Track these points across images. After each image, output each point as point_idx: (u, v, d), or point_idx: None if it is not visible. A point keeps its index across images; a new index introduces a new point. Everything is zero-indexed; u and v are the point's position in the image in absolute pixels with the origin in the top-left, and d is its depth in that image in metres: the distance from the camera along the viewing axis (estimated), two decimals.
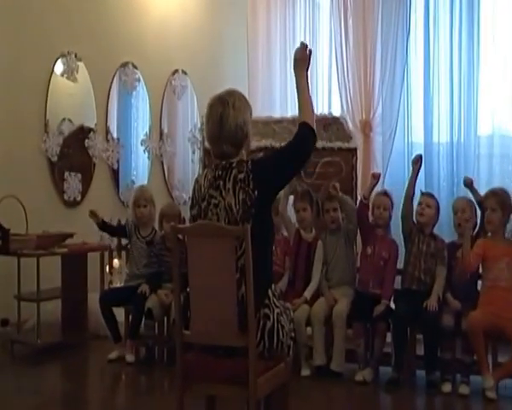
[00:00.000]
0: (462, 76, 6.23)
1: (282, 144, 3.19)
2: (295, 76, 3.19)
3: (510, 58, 6.17)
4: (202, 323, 3.01)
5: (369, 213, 4.91)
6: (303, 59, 3.18)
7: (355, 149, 5.59)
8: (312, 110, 3.14)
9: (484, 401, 4.28)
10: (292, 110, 6.33)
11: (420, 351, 4.63)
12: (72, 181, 5.85)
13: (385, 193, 4.99)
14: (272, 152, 3.29)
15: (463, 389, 4.39)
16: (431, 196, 4.88)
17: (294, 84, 3.19)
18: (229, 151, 3.04)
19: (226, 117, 3.03)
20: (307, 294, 4.79)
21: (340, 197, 4.87)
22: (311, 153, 3.13)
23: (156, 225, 5.26)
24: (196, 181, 3.18)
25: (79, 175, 5.92)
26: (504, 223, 4.60)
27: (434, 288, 4.61)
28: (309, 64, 3.18)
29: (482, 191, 4.86)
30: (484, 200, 4.66)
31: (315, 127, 3.09)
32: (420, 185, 5.91)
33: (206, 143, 5.42)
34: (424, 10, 6.32)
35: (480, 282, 4.66)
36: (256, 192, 2.98)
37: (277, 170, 3.04)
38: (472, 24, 6.21)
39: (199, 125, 5.96)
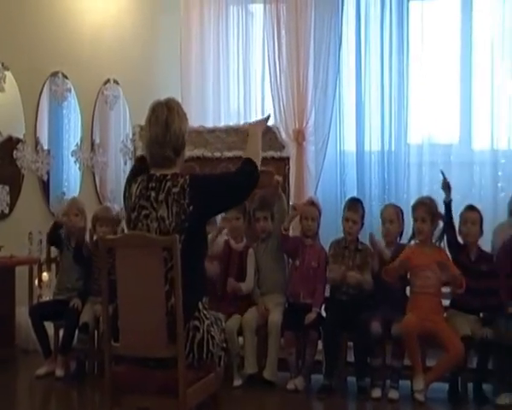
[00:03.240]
0: (392, 86, 6.35)
1: (225, 172, 3.20)
2: (253, 132, 3.25)
3: (439, 69, 6.32)
4: (132, 334, 2.99)
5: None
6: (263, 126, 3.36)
7: (288, 159, 5.63)
8: (259, 160, 3.17)
9: (412, 405, 4.36)
10: (225, 120, 6.34)
11: (351, 358, 4.69)
12: (0, 193, 5.72)
13: (312, 203, 5.03)
14: (214, 177, 3.29)
15: (393, 394, 4.47)
16: (355, 210, 4.91)
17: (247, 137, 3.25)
18: (170, 156, 3.04)
19: (172, 122, 3.04)
20: (243, 286, 4.80)
21: (280, 194, 4.90)
22: (250, 191, 3.18)
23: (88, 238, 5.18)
24: (127, 186, 3.15)
25: (7, 187, 5.79)
26: (432, 230, 4.70)
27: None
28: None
29: (413, 199, 4.97)
30: (413, 210, 4.75)
31: (258, 171, 3.13)
32: (352, 193, 6.04)
33: (139, 152, 5.39)
34: (355, 21, 6.42)
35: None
36: (191, 207, 2.97)
37: (215, 197, 3.06)
38: (402, 36, 6.35)
39: (131, 136, 5.90)
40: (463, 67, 6.29)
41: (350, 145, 6.43)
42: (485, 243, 4.86)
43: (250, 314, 4.73)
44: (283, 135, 5.99)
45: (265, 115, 3.61)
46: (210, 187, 3.06)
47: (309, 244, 4.88)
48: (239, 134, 5.62)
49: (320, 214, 4.99)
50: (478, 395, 4.50)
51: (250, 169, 3.13)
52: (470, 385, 4.56)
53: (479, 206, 4.95)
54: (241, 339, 4.74)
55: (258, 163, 3.16)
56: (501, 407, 4.34)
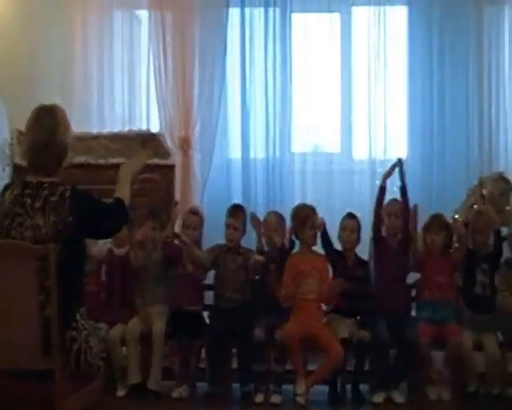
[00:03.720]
0: (276, 96, 6.41)
1: (104, 201, 3.17)
2: (123, 176, 3.25)
3: (321, 80, 6.48)
4: (4, 346, 2.90)
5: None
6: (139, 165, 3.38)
7: (173, 166, 5.62)
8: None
9: (294, 408, 4.47)
10: (109, 126, 6.24)
11: (236, 364, 4.74)
12: None
13: (193, 212, 5.07)
14: (96, 200, 3.19)
15: (275, 399, 4.57)
16: (237, 217, 4.98)
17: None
18: (51, 164, 2.98)
19: (57, 130, 3.02)
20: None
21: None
22: (118, 231, 3.28)
23: None
24: (2, 192, 3.06)
25: None
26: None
27: None
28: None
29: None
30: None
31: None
32: (238, 200, 6.09)
33: (17, 159, 5.23)
34: (240, 31, 6.47)
35: None
36: (70, 218, 2.93)
37: (91, 220, 3.03)
38: (285, 46, 6.44)
39: (9, 141, 5.69)
40: (344, 80, 6.46)
41: (235, 153, 6.48)
42: (362, 250, 5.05)
43: (133, 324, 4.70)
44: (169, 142, 5.97)
45: (143, 153, 3.59)
46: (90, 207, 3.04)
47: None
48: (123, 141, 5.57)
49: (203, 223, 5.02)
50: (356, 396, 4.69)
51: (123, 211, 3.15)
52: (349, 386, 4.73)
53: (358, 214, 5.15)
54: (124, 349, 4.69)
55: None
56: (376, 405, 4.55)
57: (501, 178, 5.41)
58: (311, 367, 4.71)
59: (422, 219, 5.06)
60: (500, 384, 4.62)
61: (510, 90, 6.29)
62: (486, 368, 4.62)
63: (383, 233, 4.96)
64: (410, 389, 4.76)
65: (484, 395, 4.62)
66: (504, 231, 5.07)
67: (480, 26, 6.27)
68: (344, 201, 6.14)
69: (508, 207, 5.27)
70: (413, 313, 4.97)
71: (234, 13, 6.49)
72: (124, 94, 6.41)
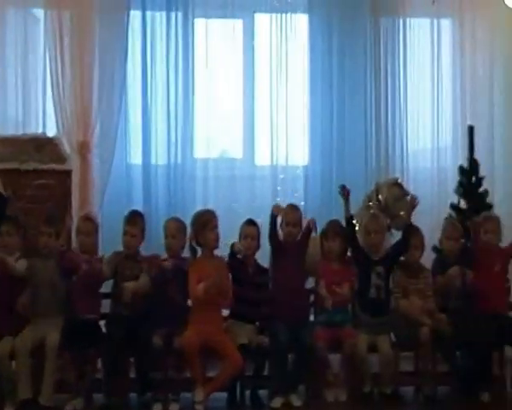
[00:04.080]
0: (178, 101, 6.38)
1: None
2: None
3: (223, 86, 6.48)
4: None
5: None
6: None
7: (70, 172, 5.48)
8: None
9: None
10: (1, 129, 5.97)
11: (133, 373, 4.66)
12: None
13: (87, 218, 4.95)
14: None
15: (173, 407, 4.54)
16: (134, 223, 4.90)
17: None
18: None
19: None
20: None
21: None
22: None
23: None
24: None
25: None
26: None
27: None
28: None
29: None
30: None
31: None
32: (138, 206, 5.99)
33: None
34: (141, 35, 6.39)
35: None
36: None
37: None
38: (187, 51, 6.42)
39: None
40: (246, 86, 6.51)
41: (136, 158, 6.38)
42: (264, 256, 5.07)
43: (23, 336, 4.52)
44: (66, 147, 5.81)
45: None
46: None
47: (85, 260, 4.77)
48: (16, 145, 5.39)
49: (97, 229, 4.93)
50: (255, 401, 4.70)
51: None
52: (248, 392, 4.73)
53: (260, 219, 5.16)
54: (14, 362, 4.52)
55: None
56: None
57: (396, 184, 5.56)
58: (210, 374, 4.69)
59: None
60: (393, 384, 4.74)
61: (406, 98, 6.50)
62: (380, 369, 4.72)
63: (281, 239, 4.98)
64: (308, 393, 4.82)
65: (378, 394, 4.73)
66: (399, 235, 5.23)
67: (377, 35, 6.48)
68: (246, 206, 6.17)
69: (402, 213, 5.41)
70: (311, 317, 5.03)
71: (135, 16, 6.41)
72: (17, 96, 6.17)
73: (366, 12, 6.45)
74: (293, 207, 5.09)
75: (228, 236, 5.03)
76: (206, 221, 4.80)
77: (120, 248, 4.94)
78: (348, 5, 6.47)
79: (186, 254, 4.91)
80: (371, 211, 5.35)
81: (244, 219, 5.09)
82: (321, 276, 4.90)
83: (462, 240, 5.23)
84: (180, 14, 6.44)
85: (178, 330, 4.58)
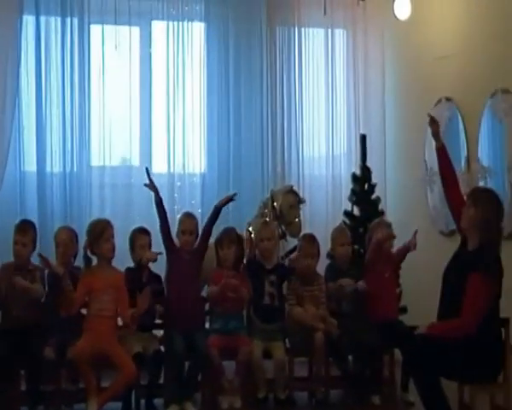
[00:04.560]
0: (74, 109, 6.31)
1: None
2: None
3: (120, 94, 6.43)
4: None
5: None
6: None
7: None
8: None
9: None
10: None
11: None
12: None
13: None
14: None
15: None
16: (24, 233, 4.81)
17: None
18: None
19: None
20: None
21: None
22: None
23: None
24: None
25: None
26: None
27: None
28: None
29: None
30: None
31: None
32: (32, 214, 5.87)
33: None
34: (35, 41, 6.26)
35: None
36: None
37: None
38: (83, 58, 6.35)
39: None
40: (143, 93, 6.50)
41: (30, 166, 6.24)
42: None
43: None
44: None
45: None
46: None
47: None
48: None
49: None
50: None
51: None
52: (143, 401, 4.72)
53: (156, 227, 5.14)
54: None
55: None
56: None
57: (291, 191, 5.66)
58: (106, 384, 4.64)
59: None
60: (287, 389, 4.83)
61: (301, 106, 6.64)
62: (274, 375, 4.80)
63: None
64: (203, 400, 4.84)
65: (272, 400, 4.80)
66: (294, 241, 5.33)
67: (273, 44, 6.61)
68: (143, 214, 6.13)
69: (296, 219, 5.53)
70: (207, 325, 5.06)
71: (28, 21, 6.28)
72: None
73: (262, 21, 6.57)
74: (188, 216, 5.10)
75: (125, 244, 4.99)
76: (101, 231, 4.74)
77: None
78: (244, 15, 6.57)
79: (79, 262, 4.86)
80: (266, 218, 5.42)
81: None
82: (214, 282, 4.91)
83: (355, 246, 5.38)
84: (75, 20, 6.36)
85: (72, 341, 4.51)
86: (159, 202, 4.93)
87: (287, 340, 4.96)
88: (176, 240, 5.04)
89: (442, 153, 4.46)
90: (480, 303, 3.88)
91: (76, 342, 4.48)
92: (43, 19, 6.31)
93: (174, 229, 5.07)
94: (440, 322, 4.11)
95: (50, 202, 6.23)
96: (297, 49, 6.66)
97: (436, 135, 4.47)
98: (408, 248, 5.11)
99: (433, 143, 4.55)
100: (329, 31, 6.79)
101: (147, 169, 5.03)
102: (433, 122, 4.49)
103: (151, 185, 4.93)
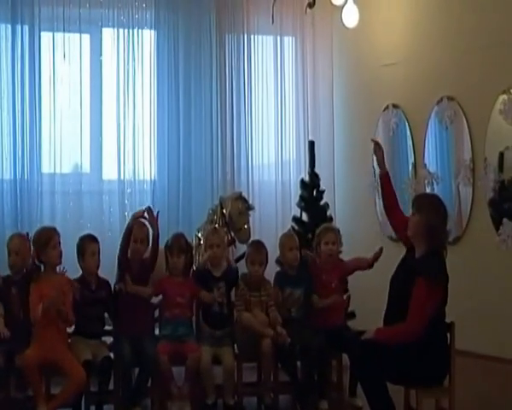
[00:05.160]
0: (25, 116, 6.31)
1: None
2: None
3: (70, 99, 6.44)
4: None
5: None
6: None
7: None
8: None
9: None
10: None
11: None
12: None
13: None
14: None
15: None
16: None
17: None
18: None
19: None
20: None
21: None
22: None
23: None
24: None
25: None
26: None
27: None
28: None
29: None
30: None
31: None
32: None
33: None
34: None
35: None
36: None
37: None
38: (33, 64, 6.33)
39: None
40: (93, 100, 6.53)
41: None
42: None
43: None
44: None
45: None
46: None
47: None
48: None
49: None
50: None
51: None
52: (93, 407, 4.74)
53: (109, 234, 5.18)
54: None
55: None
56: None
57: (240, 197, 5.72)
58: (56, 391, 4.65)
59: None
60: (236, 395, 4.87)
61: (251, 113, 6.73)
62: (223, 380, 4.84)
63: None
64: (153, 406, 4.87)
65: (221, 405, 4.83)
66: (243, 248, 5.39)
67: (223, 51, 6.68)
68: (94, 221, 6.15)
69: (246, 226, 5.60)
70: (157, 331, 5.10)
71: None
72: None
73: (211, 29, 6.64)
74: (139, 224, 5.12)
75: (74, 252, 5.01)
76: (47, 239, 4.75)
77: None
78: (194, 22, 6.64)
79: None
80: (215, 225, 5.48)
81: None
82: (158, 289, 4.97)
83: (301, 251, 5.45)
84: (26, 27, 6.35)
85: (21, 348, 4.51)
86: (156, 237, 4.95)
87: (235, 346, 5.01)
88: None
89: (386, 180, 4.52)
90: (425, 308, 3.95)
91: (24, 350, 4.49)
92: None
93: None
94: (386, 327, 4.18)
95: (1, 209, 6.21)
96: (246, 56, 6.75)
97: (381, 162, 4.52)
98: (364, 265, 5.11)
99: (377, 169, 4.58)
100: (278, 38, 6.89)
101: (149, 207, 5.03)
102: (378, 149, 4.54)
103: (154, 223, 4.93)
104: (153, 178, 6.51)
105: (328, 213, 6.11)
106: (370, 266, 5.09)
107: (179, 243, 5.01)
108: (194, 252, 5.26)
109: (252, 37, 6.80)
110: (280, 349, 4.85)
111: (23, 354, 4.47)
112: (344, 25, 6.22)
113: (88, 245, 4.94)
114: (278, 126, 6.84)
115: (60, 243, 4.80)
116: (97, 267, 4.94)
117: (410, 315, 3.97)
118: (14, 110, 6.29)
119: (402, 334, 4.01)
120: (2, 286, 4.82)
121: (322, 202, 6.13)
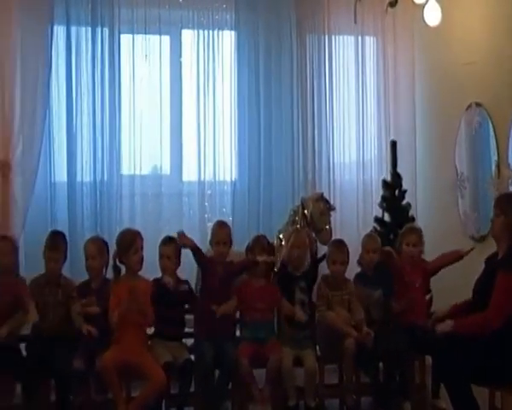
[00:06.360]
0: (104, 118, 6.28)
1: None
2: None
3: (150, 103, 6.42)
4: None
5: None
6: None
7: None
8: None
9: None
10: None
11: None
12: None
13: (2, 238, 4.86)
14: None
15: None
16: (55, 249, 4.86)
17: None
18: None
19: None
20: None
21: None
22: None
23: None
24: None
25: None
26: None
27: None
28: None
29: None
30: None
31: None
32: (64, 226, 5.88)
33: None
34: (66, 52, 6.26)
35: None
36: None
37: None
38: (113, 68, 6.35)
39: None
40: (173, 102, 6.47)
41: (61, 176, 6.25)
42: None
43: None
44: None
45: None
46: None
47: None
48: None
49: (15, 249, 4.88)
50: None
51: None
52: None
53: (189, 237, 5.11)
54: None
55: None
56: None
57: (321, 198, 5.60)
58: (135, 393, 4.62)
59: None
60: (318, 397, 4.78)
61: (332, 113, 6.60)
62: (305, 382, 4.74)
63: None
64: (234, 408, 4.80)
65: (303, 407, 4.75)
66: (324, 249, 5.27)
67: (303, 52, 6.56)
68: (173, 224, 6.11)
69: (327, 227, 5.47)
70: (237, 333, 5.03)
71: (59, 30, 6.29)
72: None
73: (292, 29, 6.54)
74: (221, 225, 5.04)
75: (154, 254, 4.98)
76: (130, 242, 4.73)
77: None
78: (274, 23, 6.54)
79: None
80: (297, 226, 5.38)
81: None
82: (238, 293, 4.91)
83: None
84: (106, 30, 6.37)
85: (101, 351, 4.50)
86: (196, 251, 4.92)
87: (317, 347, 4.90)
88: (208, 247, 5.02)
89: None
90: (504, 301, 3.96)
91: (105, 353, 4.47)
92: (73, 29, 6.31)
93: (206, 237, 5.07)
94: (463, 318, 4.20)
95: (80, 213, 6.21)
96: (327, 57, 6.61)
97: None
98: (455, 256, 5.08)
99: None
100: (359, 38, 6.74)
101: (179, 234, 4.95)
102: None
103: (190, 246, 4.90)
104: (233, 179, 6.43)
105: (410, 214, 5.99)
106: (461, 257, 5.06)
107: (261, 244, 4.94)
108: (275, 253, 5.15)
109: (332, 37, 6.67)
110: (361, 350, 4.72)
111: (103, 356, 4.46)
112: (425, 23, 6.03)
113: (162, 248, 4.91)
114: (359, 126, 6.68)
115: (142, 247, 4.77)
116: (176, 269, 4.89)
117: (489, 307, 3.99)
118: (94, 112, 6.30)
119: (478, 325, 4.04)
120: (82, 288, 4.84)
121: (403, 202, 6.03)
